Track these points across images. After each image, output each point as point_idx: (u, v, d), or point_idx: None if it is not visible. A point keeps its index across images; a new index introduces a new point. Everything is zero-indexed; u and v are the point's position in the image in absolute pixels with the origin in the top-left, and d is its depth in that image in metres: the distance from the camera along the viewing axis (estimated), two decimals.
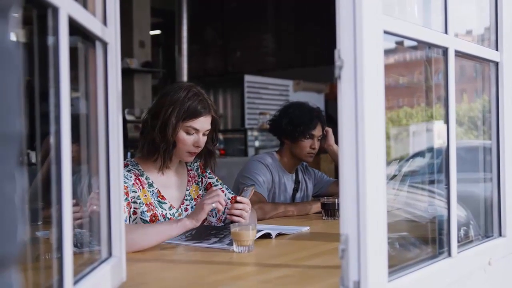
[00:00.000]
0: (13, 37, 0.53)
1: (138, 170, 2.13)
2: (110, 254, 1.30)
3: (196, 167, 2.32)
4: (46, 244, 1.34)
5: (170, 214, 2.14)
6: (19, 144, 0.54)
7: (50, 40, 0.95)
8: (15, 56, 0.52)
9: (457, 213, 1.47)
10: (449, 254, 1.42)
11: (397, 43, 1.36)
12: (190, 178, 2.28)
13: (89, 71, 1.28)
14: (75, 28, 1.05)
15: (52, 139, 0.95)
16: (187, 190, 2.25)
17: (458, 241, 1.45)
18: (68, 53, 0.96)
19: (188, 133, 2.10)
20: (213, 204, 1.90)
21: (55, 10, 0.93)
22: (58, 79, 0.94)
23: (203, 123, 2.11)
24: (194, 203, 2.24)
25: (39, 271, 1.12)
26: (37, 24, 0.98)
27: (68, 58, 0.96)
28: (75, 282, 1.02)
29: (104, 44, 1.27)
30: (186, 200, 2.23)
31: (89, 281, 1.11)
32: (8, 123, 0.52)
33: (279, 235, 2.09)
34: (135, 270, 1.54)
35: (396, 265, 1.24)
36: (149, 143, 2.12)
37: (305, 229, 2.26)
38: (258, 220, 2.54)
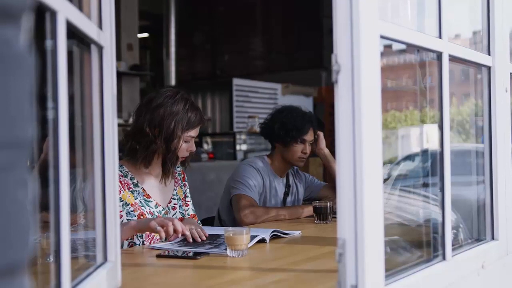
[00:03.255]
0: (24, 42, 0.53)
1: (121, 172, 2.16)
2: (105, 259, 1.29)
3: (178, 172, 2.40)
4: (38, 250, 1.32)
5: (158, 212, 2.22)
6: (30, 150, 0.53)
7: (48, 43, 0.94)
8: (28, 61, 0.51)
9: None
10: (444, 258, 1.42)
11: (385, 46, 1.36)
12: (176, 179, 2.37)
13: (84, 74, 1.27)
14: (71, 32, 1.04)
15: (48, 143, 0.94)
16: (175, 190, 2.34)
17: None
18: (66, 56, 0.96)
19: (186, 141, 2.22)
20: (158, 228, 1.87)
21: (53, 14, 0.92)
22: (56, 83, 0.93)
23: (198, 130, 2.26)
24: (181, 202, 2.34)
25: (35, 276, 1.11)
26: (34, 27, 0.97)
27: (66, 61, 0.95)
28: None
29: (100, 48, 1.27)
30: (174, 199, 2.32)
31: (85, 287, 1.10)
32: (21, 128, 0.51)
33: (273, 238, 2.08)
34: (130, 275, 1.53)
35: (392, 268, 1.24)
36: (151, 153, 2.17)
37: (297, 233, 2.25)
38: (250, 224, 2.54)
